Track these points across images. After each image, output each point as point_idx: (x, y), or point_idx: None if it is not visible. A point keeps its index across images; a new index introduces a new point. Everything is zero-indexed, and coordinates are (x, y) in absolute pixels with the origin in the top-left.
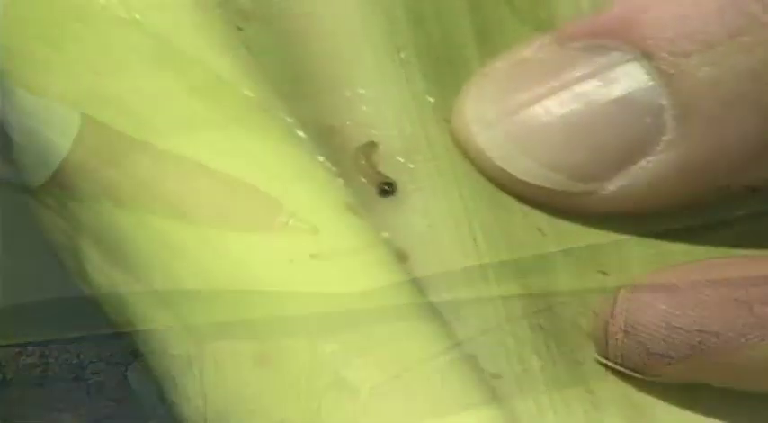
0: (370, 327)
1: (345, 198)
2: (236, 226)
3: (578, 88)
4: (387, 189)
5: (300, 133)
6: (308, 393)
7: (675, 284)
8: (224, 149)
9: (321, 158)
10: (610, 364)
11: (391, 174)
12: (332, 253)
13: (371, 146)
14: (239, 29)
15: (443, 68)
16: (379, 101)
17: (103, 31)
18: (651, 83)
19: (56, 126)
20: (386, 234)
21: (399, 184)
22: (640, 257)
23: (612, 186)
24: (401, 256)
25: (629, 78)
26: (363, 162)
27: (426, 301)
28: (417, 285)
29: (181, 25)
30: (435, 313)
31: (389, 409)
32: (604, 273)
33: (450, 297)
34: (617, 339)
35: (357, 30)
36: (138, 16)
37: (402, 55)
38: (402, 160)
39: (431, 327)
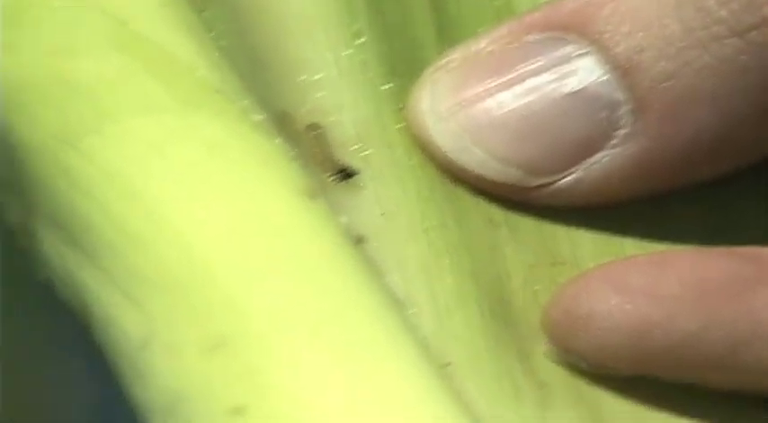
0: (327, 313)
1: (303, 181)
2: (192, 214)
3: (532, 81)
4: (343, 175)
5: (256, 116)
6: (263, 380)
7: (626, 276)
8: (180, 133)
9: (278, 141)
10: (559, 354)
11: (345, 160)
12: (291, 240)
13: (325, 131)
14: (201, 11)
15: (400, 56)
16: (334, 87)
17: (62, 13)
18: (607, 77)
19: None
20: (344, 218)
21: (353, 171)
22: (592, 249)
23: (566, 180)
24: (359, 241)
25: (585, 72)
26: (317, 148)
27: (384, 286)
28: (374, 269)
29: (141, 7)
30: (393, 299)
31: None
32: (556, 264)
33: (403, 284)
34: (566, 330)
35: (315, 15)
36: None
37: (359, 41)
38: (356, 147)
39: (390, 314)
